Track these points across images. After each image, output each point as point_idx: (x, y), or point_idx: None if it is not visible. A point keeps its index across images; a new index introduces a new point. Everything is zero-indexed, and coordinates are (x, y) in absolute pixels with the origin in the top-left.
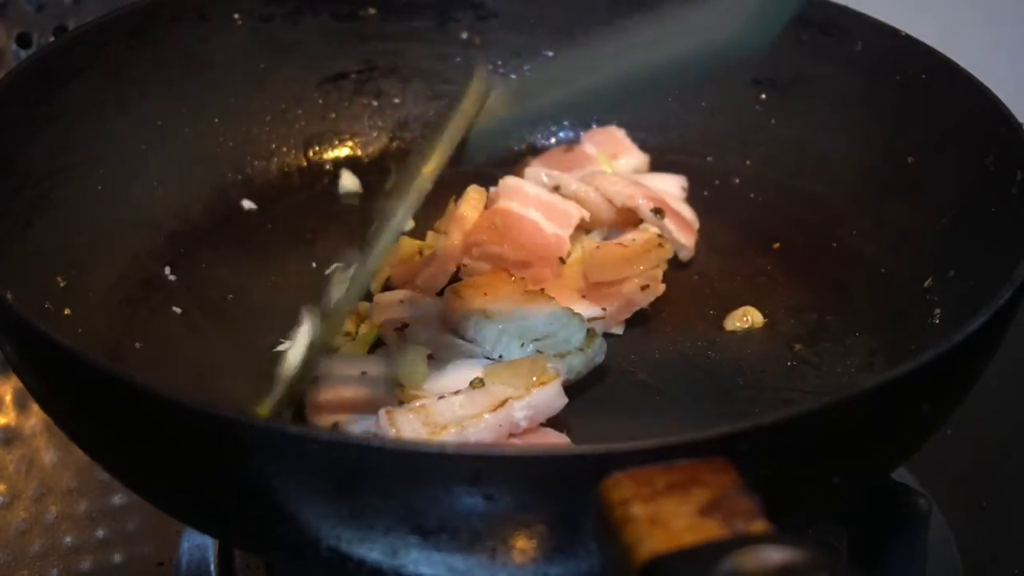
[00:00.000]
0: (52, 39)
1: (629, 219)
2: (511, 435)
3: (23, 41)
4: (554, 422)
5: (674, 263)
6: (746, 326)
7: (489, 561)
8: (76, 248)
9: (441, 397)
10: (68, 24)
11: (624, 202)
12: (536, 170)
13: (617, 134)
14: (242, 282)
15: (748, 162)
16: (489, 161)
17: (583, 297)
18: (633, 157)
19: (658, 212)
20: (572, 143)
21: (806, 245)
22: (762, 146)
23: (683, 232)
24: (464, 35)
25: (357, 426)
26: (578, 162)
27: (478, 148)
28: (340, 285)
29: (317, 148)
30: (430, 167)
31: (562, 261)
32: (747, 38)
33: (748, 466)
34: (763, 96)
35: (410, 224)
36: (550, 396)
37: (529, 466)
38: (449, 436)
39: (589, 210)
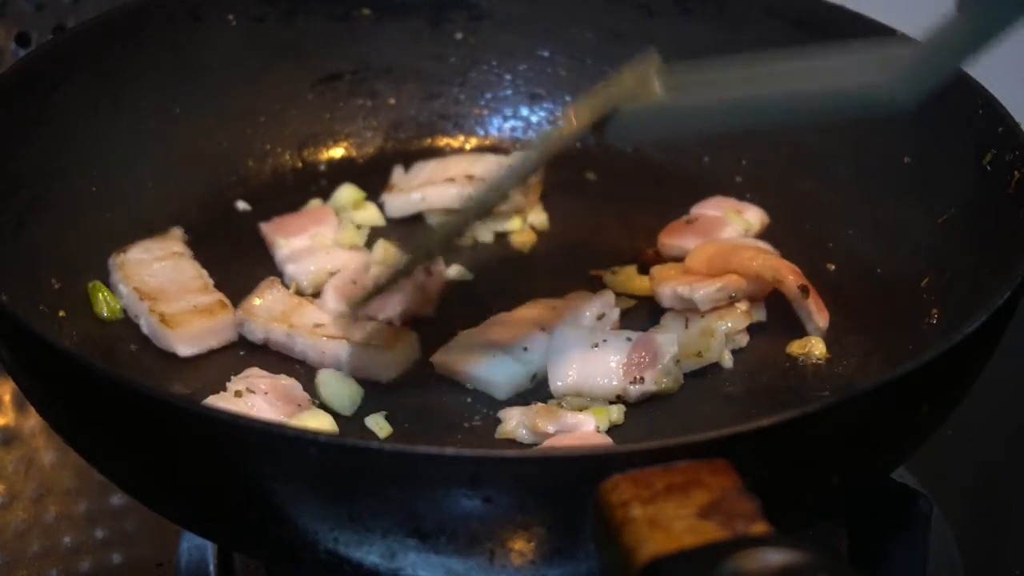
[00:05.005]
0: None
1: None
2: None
3: (22, 40)
4: None
5: None
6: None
7: (487, 564)
8: (70, 250)
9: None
10: (67, 23)
11: (774, 276)
12: (666, 289)
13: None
14: (237, 283)
15: (744, 162)
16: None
17: None
18: (753, 211)
19: (804, 290)
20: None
21: (802, 246)
22: (758, 146)
23: (821, 314)
24: (458, 36)
25: None
26: (706, 230)
27: (623, 127)
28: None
29: (311, 149)
30: (565, 130)
31: None
32: (894, 95)
33: (748, 467)
34: None
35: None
36: None
37: (528, 468)
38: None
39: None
